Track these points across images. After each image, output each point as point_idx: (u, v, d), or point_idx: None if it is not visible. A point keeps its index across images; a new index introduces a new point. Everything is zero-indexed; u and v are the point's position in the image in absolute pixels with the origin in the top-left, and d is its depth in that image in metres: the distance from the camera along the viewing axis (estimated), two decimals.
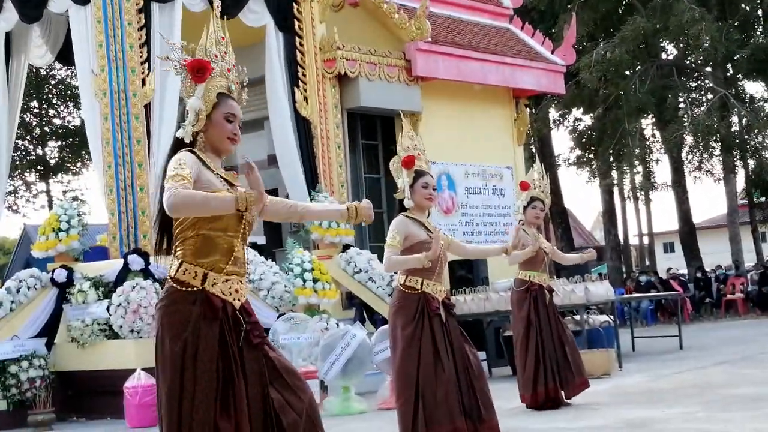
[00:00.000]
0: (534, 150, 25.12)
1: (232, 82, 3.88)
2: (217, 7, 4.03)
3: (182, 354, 3.64)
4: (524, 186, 8.39)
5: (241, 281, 3.77)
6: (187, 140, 3.77)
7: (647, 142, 28.24)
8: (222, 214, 3.65)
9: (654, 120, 27.96)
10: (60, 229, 11.08)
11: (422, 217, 5.99)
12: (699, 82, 27.38)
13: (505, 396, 8.36)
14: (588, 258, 8.34)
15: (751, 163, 27.45)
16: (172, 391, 3.64)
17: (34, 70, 23.49)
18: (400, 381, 5.82)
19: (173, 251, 3.76)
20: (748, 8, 25.42)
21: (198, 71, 3.77)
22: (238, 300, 3.75)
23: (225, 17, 12.20)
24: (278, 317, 10.34)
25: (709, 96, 25.29)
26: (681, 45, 25.49)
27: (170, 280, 3.72)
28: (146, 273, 10.38)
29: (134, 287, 10.01)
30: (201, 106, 3.76)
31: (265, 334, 3.84)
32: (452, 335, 5.84)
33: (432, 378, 5.68)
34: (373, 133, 14.66)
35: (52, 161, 29.03)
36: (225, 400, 3.64)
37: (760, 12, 26.28)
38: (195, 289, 3.67)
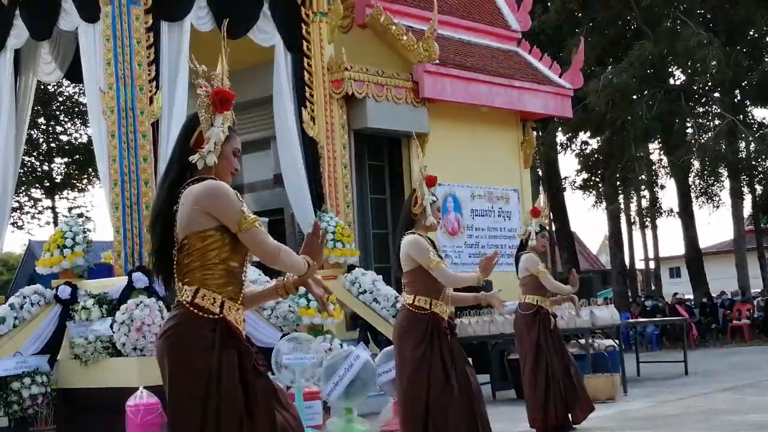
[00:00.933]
0: (540, 173, 25.09)
1: (232, 115, 3.92)
2: (224, 37, 3.99)
3: (207, 381, 3.59)
4: (536, 213, 8.44)
5: (242, 311, 3.80)
6: (200, 165, 3.74)
7: (654, 167, 28.25)
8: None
9: (661, 145, 27.96)
10: (65, 246, 11.07)
11: (429, 239, 6.01)
12: (706, 107, 27.40)
13: (509, 419, 8.32)
14: (570, 291, 8.41)
15: (759, 188, 27.44)
16: (191, 420, 3.59)
17: (42, 87, 23.56)
18: (406, 402, 5.78)
19: (183, 275, 3.71)
20: (756, 35, 25.46)
21: (222, 102, 3.80)
22: (244, 330, 3.78)
23: (234, 37, 12.26)
24: (282, 337, 10.30)
25: (717, 122, 25.30)
26: (689, 70, 25.53)
27: (186, 304, 3.65)
28: (150, 291, 10.35)
29: (138, 305, 9.98)
30: (220, 138, 3.77)
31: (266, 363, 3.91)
32: (456, 356, 5.82)
33: (441, 400, 5.66)
34: (380, 154, 14.66)
35: (58, 178, 29.10)
36: (249, 426, 3.62)
37: (767, 39, 26.32)
38: (214, 316, 3.65)
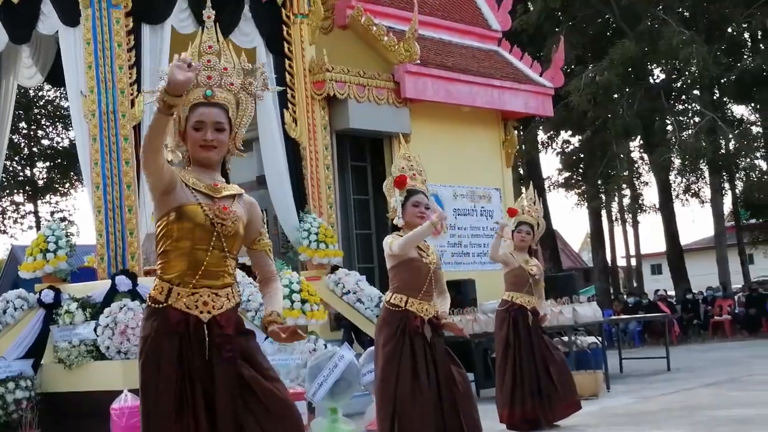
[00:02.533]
0: (522, 172, 25.16)
1: (212, 86, 3.78)
2: (209, 17, 3.96)
3: (143, 369, 3.66)
4: (512, 212, 8.49)
5: (216, 294, 3.69)
6: (176, 161, 3.76)
7: (635, 165, 28.39)
8: (185, 221, 3.65)
9: (642, 143, 28.11)
10: (48, 250, 11.04)
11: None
12: (686, 105, 27.57)
13: (492, 416, 8.35)
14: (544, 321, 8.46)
15: (739, 185, 27.61)
16: (141, 407, 3.69)
17: (23, 91, 23.48)
18: (379, 397, 5.85)
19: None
20: (735, 32, 25.62)
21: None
22: (207, 312, 3.66)
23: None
24: (266, 338, 10.31)
25: (696, 119, 25.45)
26: (670, 68, 25.68)
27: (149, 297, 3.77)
28: (134, 294, 10.35)
29: (122, 308, 9.97)
30: (172, 126, 3.72)
31: (237, 350, 3.69)
32: (437, 356, 5.83)
33: (408, 397, 5.67)
34: (362, 155, 14.69)
35: (41, 182, 29.02)
36: (182, 416, 3.60)
37: (747, 35, 26.49)
38: (159, 304, 3.68)
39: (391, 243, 5.87)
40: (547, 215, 27.90)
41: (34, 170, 28.97)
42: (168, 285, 3.67)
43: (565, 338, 12.21)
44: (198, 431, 3.60)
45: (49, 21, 11.84)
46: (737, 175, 27.05)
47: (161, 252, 3.72)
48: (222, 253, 3.71)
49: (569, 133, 28.26)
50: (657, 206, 28.40)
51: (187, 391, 3.62)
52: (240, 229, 3.78)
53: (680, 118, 26.35)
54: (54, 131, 28.82)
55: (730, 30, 25.48)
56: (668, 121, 25.89)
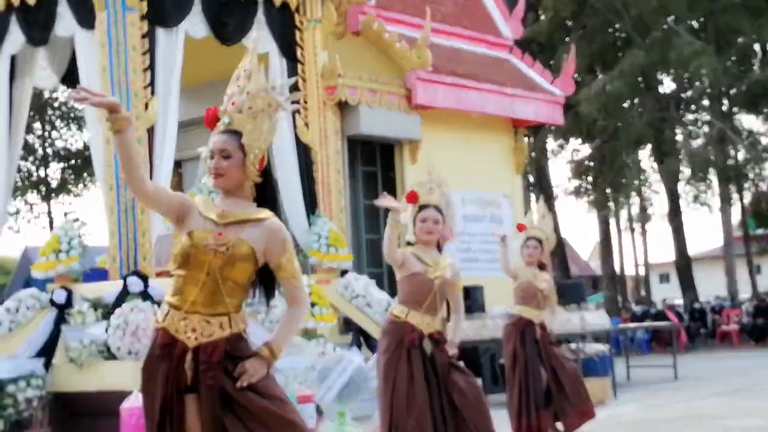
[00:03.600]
0: (531, 179, 25.19)
1: (233, 113, 3.79)
2: (254, 49, 3.98)
3: (143, 388, 3.78)
4: (521, 228, 8.52)
5: (207, 321, 3.66)
6: (209, 184, 3.88)
7: (644, 174, 28.39)
8: (190, 234, 3.70)
9: (651, 152, 28.11)
10: (60, 251, 11.11)
11: (421, 251, 6.03)
12: (696, 115, 27.57)
13: (502, 423, 8.40)
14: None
15: (748, 195, 27.59)
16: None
17: (37, 92, 23.60)
18: (379, 405, 5.93)
19: None
20: (745, 42, 25.62)
21: (209, 121, 3.85)
22: (195, 339, 3.66)
23: (229, 43, 12.34)
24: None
25: (706, 129, 25.45)
26: (680, 78, 25.68)
27: None
28: (145, 295, 10.41)
29: (133, 309, 10.03)
30: (204, 153, 3.84)
31: (220, 377, 3.64)
32: (438, 368, 5.83)
33: (404, 408, 5.71)
34: (373, 160, 14.75)
35: (54, 182, 29.12)
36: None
37: (757, 46, 26.48)
38: (157, 325, 3.76)
39: (387, 254, 5.94)
40: (555, 223, 28.02)
41: (48, 171, 29.09)
42: (167, 307, 3.75)
43: (573, 345, 12.25)
44: None
45: (65, 23, 11.92)
46: (746, 185, 27.03)
47: (173, 274, 3.80)
48: (215, 280, 3.68)
49: (579, 141, 28.27)
50: (666, 215, 28.38)
51: (168, 414, 3.68)
52: (239, 255, 3.70)
53: (690, 127, 26.36)
54: (68, 132, 28.95)
55: (740, 41, 25.47)
56: (678, 131, 25.90)
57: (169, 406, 3.67)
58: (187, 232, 3.71)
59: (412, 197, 6.06)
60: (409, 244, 6.08)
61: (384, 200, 5.78)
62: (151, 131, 11.32)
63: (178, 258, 3.72)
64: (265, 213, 3.81)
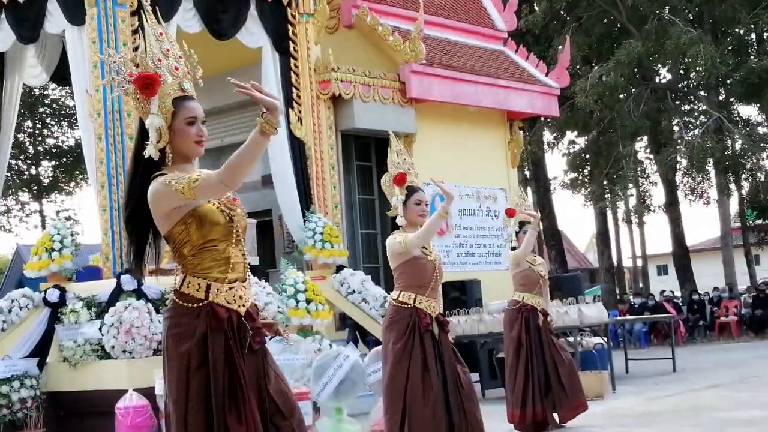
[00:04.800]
0: (527, 172, 25.12)
1: (183, 78, 3.74)
2: (147, 1, 3.87)
3: (187, 366, 3.61)
4: (510, 212, 8.45)
5: (244, 287, 3.72)
6: (156, 158, 3.66)
7: (641, 166, 28.33)
8: (207, 223, 3.62)
9: (648, 143, 28.06)
10: (53, 249, 11.04)
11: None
12: (693, 105, 27.52)
13: (498, 417, 8.34)
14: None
15: (746, 185, 27.55)
16: (179, 405, 3.62)
17: (28, 90, 23.51)
18: (388, 395, 5.83)
19: (178, 262, 3.73)
20: (741, 32, 25.56)
21: (146, 87, 3.65)
22: (243, 306, 3.70)
23: (223, 38, 12.27)
24: (271, 338, 10.30)
25: (703, 119, 25.41)
26: (676, 68, 25.62)
27: (174, 293, 3.70)
28: (139, 293, 10.34)
29: (127, 307, 9.96)
30: (161, 122, 3.65)
31: (266, 340, 3.78)
32: (444, 353, 5.83)
33: (420, 395, 5.67)
34: (367, 155, 14.68)
35: (46, 181, 29.04)
36: (236, 411, 3.60)
37: (753, 36, 26.43)
38: (200, 301, 3.64)
39: (404, 240, 5.83)
40: (552, 215, 27.99)
41: (39, 169, 29.01)
42: (205, 282, 3.65)
43: (571, 339, 12.19)
44: (250, 428, 3.60)
45: (55, 20, 11.85)
46: (743, 175, 27.00)
47: (188, 254, 3.67)
48: (240, 244, 3.74)
49: (575, 133, 28.21)
50: (663, 207, 28.34)
51: (240, 386, 3.62)
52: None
53: (687, 118, 26.30)
54: (59, 130, 28.86)
55: (736, 30, 25.41)
56: (675, 121, 25.85)
57: (239, 378, 3.61)
58: (194, 208, 3.62)
59: (402, 179, 6.02)
60: (395, 227, 6.02)
61: (442, 184, 5.79)
62: None
63: (198, 236, 3.62)
64: None
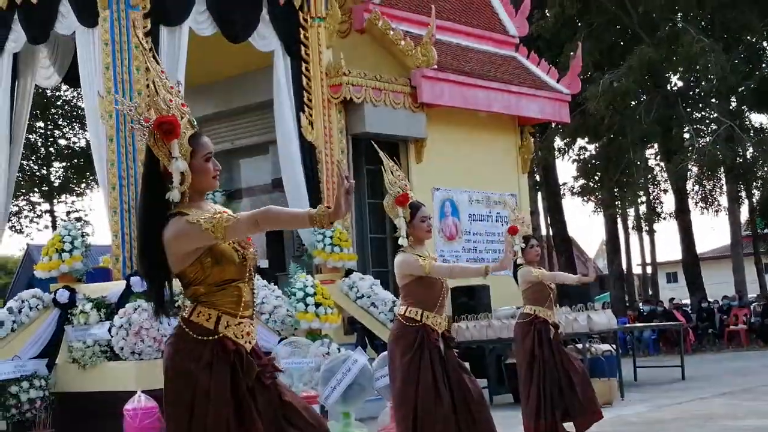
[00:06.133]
0: (537, 178, 25.07)
1: (188, 113, 3.69)
2: (144, 38, 3.83)
3: (192, 396, 3.57)
4: (513, 230, 8.42)
5: (251, 324, 3.72)
6: (178, 200, 3.63)
7: (652, 173, 28.28)
8: (223, 262, 3.59)
9: (659, 150, 28.01)
10: (63, 250, 11.08)
11: (421, 251, 5.99)
12: (704, 113, 27.45)
13: (506, 423, 8.33)
14: (587, 281, 8.37)
15: (756, 194, 27.47)
16: (178, 429, 3.60)
17: (40, 91, 23.59)
18: (398, 410, 5.82)
19: (186, 291, 3.69)
20: (753, 39, 25.51)
21: (168, 132, 3.59)
22: (249, 343, 3.69)
23: (235, 41, 12.29)
24: (280, 341, 10.32)
25: (714, 127, 25.34)
26: (689, 76, 25.56)
27: (182, 320, 3.65)
28: (148, 295, 10.36)
29: (136, 309, 9.99)
30: (185, 166, 3.62)
31: (276, 375, 3.75)
32: (450, 368, 5.80)
33: (431, 411, 5.66)
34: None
35: (57, 182, 29.11)
36: None
37: (765, 44, 26.37)
38: (209, 332, 3.61)
39: (429, 266, 5.83)
40: (562, 222, 27.95)
41: (51, 170, 29.08)
42: (216, 313, 3.62)
43: (580, 346, 12.16)
44: None
45: (67, 21, 11.89)
46: (754, 184, 26.93)
47: (202, 291, 3.63)
48: (251, 283, 3.73)
49: (586, 139, 28.17)
50: (673, 214, 28.28)
51: (248, 418, 3.58)
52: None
53: (698, 125, 26.24)
54: (71, 131, 28.94)
55: (748, 38, 25.36)
56: (686, 129, 25.79)
57: (250, 408, 3.59)
58: (211, 247, 3.57)
59: (405, 200, 6.04)
60: (399, 246, 6.02)
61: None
62: None
63: (213, 275, 3.60)
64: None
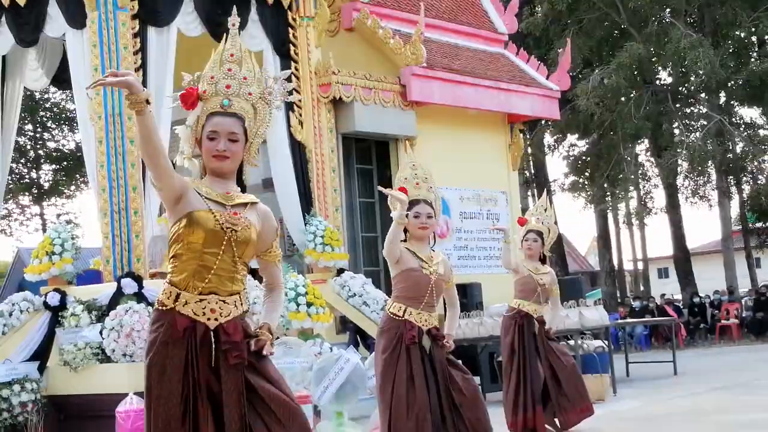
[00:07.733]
0: (528, 175, 25.11)
1: (230, 96, 3.79)
2: (234, 25, 3.97)
3: (148, 375, 3.64)
4: (521, 222, 8.46)
5: (223, 301, 3.68)
6: (193, 170, 3.83)
7: (642, 168, 28.34)
8: (195, 227, 3.65)
9: (649, 146, 28.07)
10: (53, 253, 11.04)
11: (415, 247, 5.94)
12: (694, 108, 27.52)
13: (499, 421, 8.32)
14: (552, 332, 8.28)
15: (746, 188, 27.55)
16: (145, 411, 3.67)
17: (29, 94, 23.53)
18: (378, 405, 5.85)
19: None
20: (741, 34, 25.57)
21: (186, 102, 3.79)
22: (215, 320, 3.66)
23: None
24: (255, 351, 10.27)
25: (704, 122, 25.40)
26: (677, 71, 25.63)
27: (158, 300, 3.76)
28: (139, 297, 10.34)
29: (127, 311, 9.96)
30: (188, 133, 3.81)
31: (246, 356, 3.70)
32: (436, 365, 5.76)
33: (403, 409, 5.63)
34: (368, 158, 14.68)
35: (46, 184, 29.05)
36: (191, 425, 3.60)
37: (754, 38, 26.43)
38: (166, 309, 3.67)
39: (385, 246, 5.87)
40: (553, 218, 27.92)
41: (40, 172, 29.02)
42: (176, 289, 3.67)
43: (572, 342, 12.18)
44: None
45: (55, 23, 11.85)
46: (744, 178, 27.00)
47: (172, 256, 3.72)
48: (232, 259, 3.71)
49: (576, 136, 28.21)
50: (664, 210, 28.34)
51: (191, 398, 3.61)
52: (252, 236, 3.76)
53: (687, 121, 26.30)
54: (60, 134, 28.89)
55: (737, 33, 25.42)
56: (675, 124, 25.85)
57: (193, 392, 3.61)
58: (190, 211, 3.66)
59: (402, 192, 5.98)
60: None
61: (391, 191, 5.76)
62: None
63: (184, 237, 3.66)
64: (253, 197, 3.88)
